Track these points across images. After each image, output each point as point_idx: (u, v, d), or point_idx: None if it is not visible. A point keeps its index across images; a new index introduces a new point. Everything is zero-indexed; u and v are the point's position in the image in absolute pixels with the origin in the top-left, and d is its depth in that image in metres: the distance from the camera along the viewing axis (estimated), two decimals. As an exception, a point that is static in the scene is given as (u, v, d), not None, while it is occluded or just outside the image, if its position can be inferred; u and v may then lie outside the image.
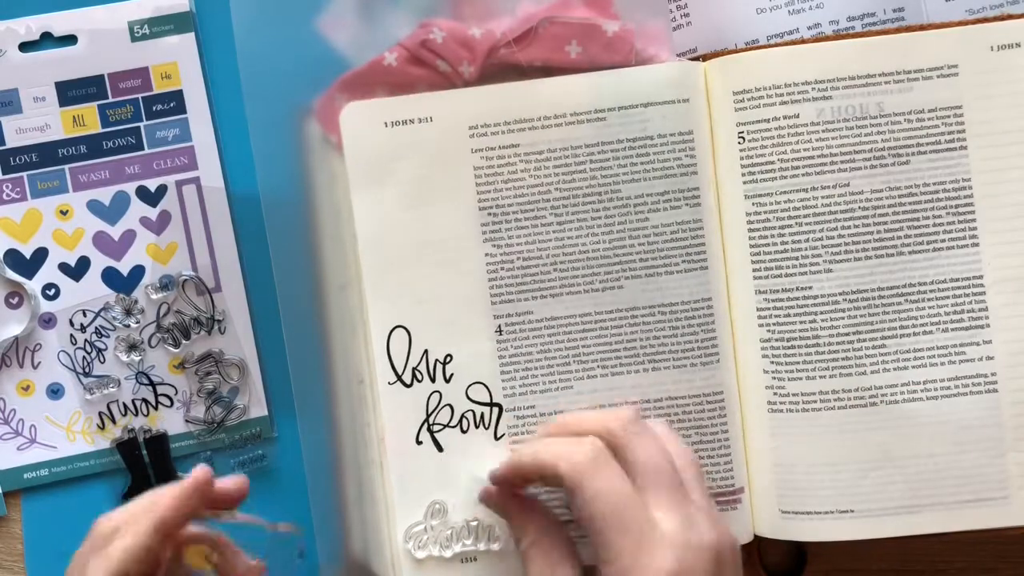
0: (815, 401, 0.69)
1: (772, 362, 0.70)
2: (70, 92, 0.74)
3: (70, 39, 0.74)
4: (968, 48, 0.69)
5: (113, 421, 0.75)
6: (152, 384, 0.75)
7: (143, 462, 0.74)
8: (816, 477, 0.70)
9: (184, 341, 0.75)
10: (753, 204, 0.69)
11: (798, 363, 0.69)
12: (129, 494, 0.74)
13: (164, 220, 0.75)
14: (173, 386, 0.75)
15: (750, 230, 0.69)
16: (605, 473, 0.62)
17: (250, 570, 0.65)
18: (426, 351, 0.70)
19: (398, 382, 0.70)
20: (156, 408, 0.75)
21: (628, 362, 0.70)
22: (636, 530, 0.61)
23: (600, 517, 0.61)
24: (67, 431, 0.75)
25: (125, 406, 0.75)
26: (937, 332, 0.69)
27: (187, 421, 0.75)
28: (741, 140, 0.69)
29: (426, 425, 0.70)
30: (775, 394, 0.70)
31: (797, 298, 0.69)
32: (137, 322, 0.75)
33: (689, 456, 0.66)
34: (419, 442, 0.70)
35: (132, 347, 0.74)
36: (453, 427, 0.70)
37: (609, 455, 0.63)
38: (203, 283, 0.74)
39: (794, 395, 0.69)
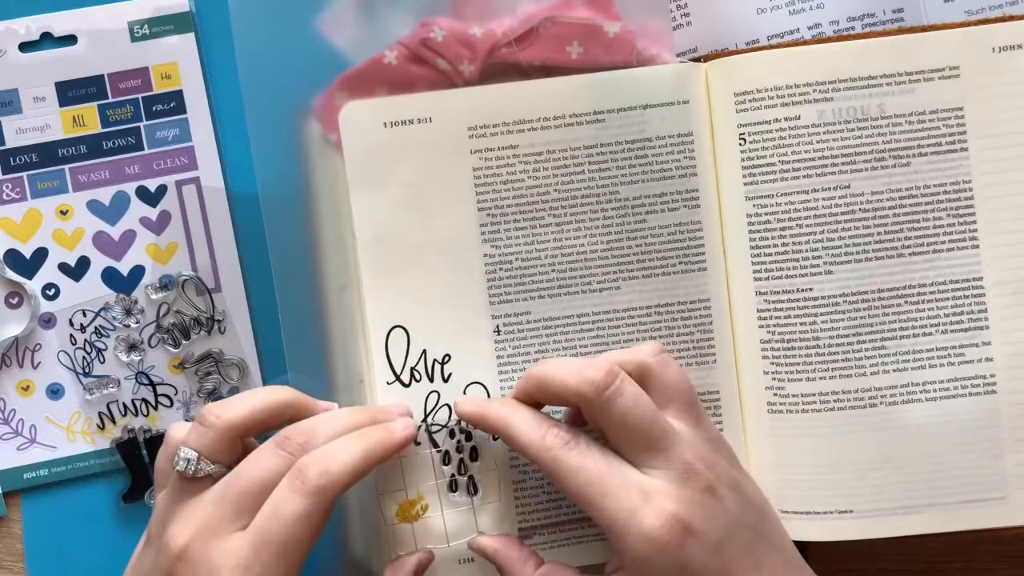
0: (815, 402, 0.69)
1: (772, 363, 0.70)
2: (70, 92, 0.74)
3: (70, 39, 0.74)
4: (969, 49, 0.69)
5: (113, 421, 0.75)
6: (152, 384, 0.75)
7: (143, 462, 0.75)
8: (816, 477, 0.70)
9: (184, 341, 0.75)
10: (754, 205, 0.69)
11: (798, 364, 0.69)
12: (129, 494, 0.75)
13: (164, 220, 0.75)
14: (173, 386, 0.75)
15: (751, 231, 0.69)
16: (629, 389, 0.63)
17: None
18: (424, 351, 0.70)
19: (396, 382, 0.70)
20: (156, 408, 0.75)
21: (625, 363, 0.70)
22: (660, 438, 0.63)
23: (627, 429, 0.63)
24: (67, 431, 0.75)
25: (125, 406, 0.75)
26: (937, 334, 0.69)
27: (187, 421, 0.75)
28: (742, 141, 0.69)
29: (424, 425, 0.70)
30: (775, 395, 0.70)
31: (797, 299, 0.69)
32: (137, 322, 0.75)
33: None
34: (417, 442, 0.70)
35: (132, 347, 0.74)
36: (451, 427, 0.70)
37: (626, 375, 0.64)
38: (203, 283, 0.75)
39: (794, 396, 0.69)
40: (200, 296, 0.75)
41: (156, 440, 0.75)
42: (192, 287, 0.75)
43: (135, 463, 0.74)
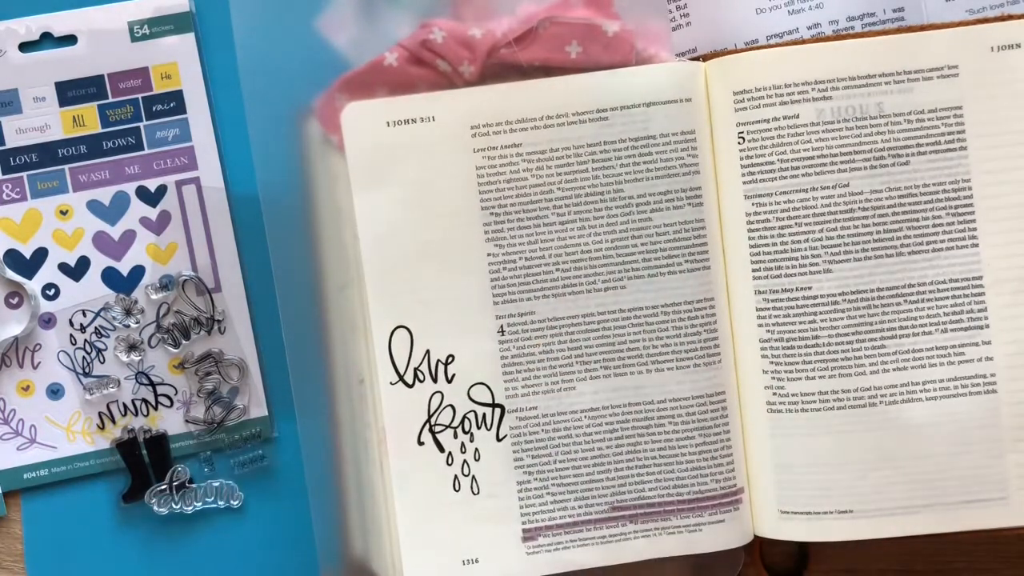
0: (814, 401, 0.69)
1: (772, 362, 0.70)
2: (70, 92, 0.74)
3: (70, 39, 0.74)
4: (968, 48, 0.69)
5: (113, 421, 0.75)
6: (152, 384, 0.75)
7: (143, 462, 0.75)
8: (815, 477, 0.70)
9: (184, 341, 0.75)
10: (753, 204, 0.69)
11: (797, 363, 0.69)
12: (129, 494, 0.74)
13: (164, 220, 0.75)
14: (173, 386, 0.75)
15: (750, 230, 0.69)
16: None
17: None
18: (428, 351, 0.70)
19: (400, 382, 0.70)
20: (156, 408, 0.75)
21: (631, 363, 0.70)
22: None
23: None
24: (67, 431, 0.75)
25: (125, 406, 0.75)
26: (936, 333, 0.69)
27: (187, 421, 0.75)
28: (741, 140, 0.69)
29: (428, 426, 0.70)
30: (774, 394, 0.70)
31: (797, 298, 0.69)
32: (137, 322, 0.75)
33: None
34: (421, 443, 0.70)
35: (132, 347, 0.74)
36: (455, 428, 0.70)
37: None
38: (203, 283, 0.74)
39: (793, 395, 0.69)
40: (200, 296, 0.75)
41: (156, 440, 0.75)
42: (192, 287, 0.75)
43: (135, 463, 0.74)
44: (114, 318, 0.75)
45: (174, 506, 0.74)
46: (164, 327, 0.75)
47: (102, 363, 0.75)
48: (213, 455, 0.75)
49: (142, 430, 0.75)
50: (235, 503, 0.75)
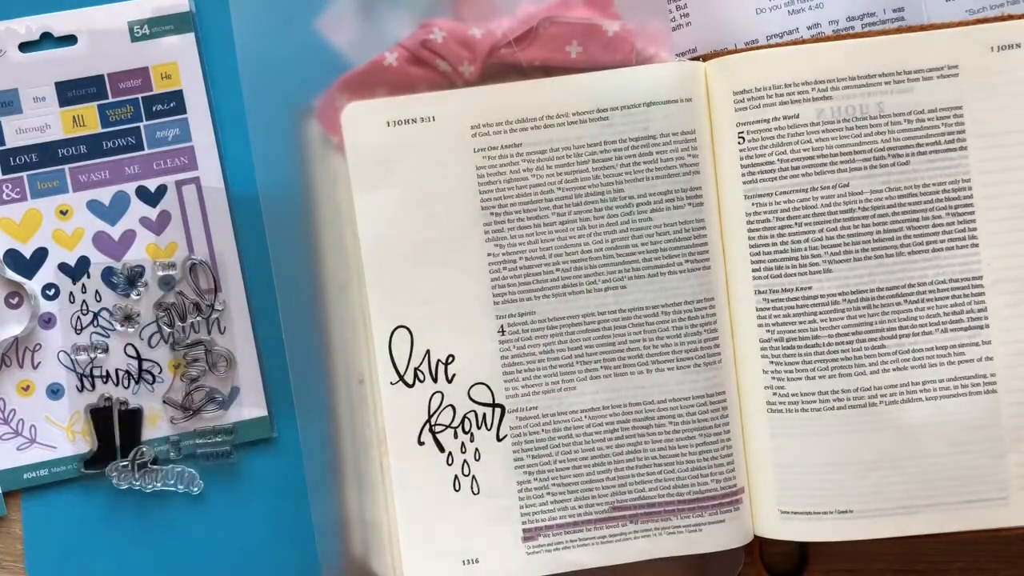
0: (814, 401, 0.69)
1: (772, 362, 0.70)
2: (70, 92, 0.74)
3: (70, 39, 0.74)
4: (968, 48, 0.69)
5: (93, 386, 0.74)
6: (139, 358, 0.75)
7: (112, 433, 0.74)
8: (815, 477, 0.70)
9: (179, 323, 0.74)
10: (753, 204, 0.69)
11: (797, 363, 0.69)
12: (91, 462, 0.74)
13: (164, 220, 0.75)
14: (158, 364, 0.75)
15: (750, 230, 0.69)
16: None
17: None
18: (428, 351, 0.70)
19: (400, 382, 0.70)
20: (138, 382, 0.75)
21: (631, 363, 0.70)
22: None
23: None
24: (67, 431, 0.75)
25: (108, 374, 0.74)
26: (936, 333, 0.69)
27: (164, 402, 0.75)
28: (741, 140, 0.69)
29: (428, 426, 0.70)
30: (775, 394, 0.70)
31: (797, 298, 0.69)
32: (138, 294, 0.74)
33: None
34: (421, 443, 0.70)
35: (128, 318, 0.74)
36: (455, 428, 0.70)
37: None
38: (210, 268, 0.74)
39: (793, 395, 0.69)
40: (206, 284, 0.74)
41: (130, 414, 0.74)
42: (198, 273, 0.74)
43: (104, 432, 0.74)
44: (115, 283, 0.74)
45: (134, 482, 0.74)
46: (163, 305, 0.74)
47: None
48: (181, 440, 0.75)
49: (118, 401, 0.75)
50: (195, 490, 0.75)
